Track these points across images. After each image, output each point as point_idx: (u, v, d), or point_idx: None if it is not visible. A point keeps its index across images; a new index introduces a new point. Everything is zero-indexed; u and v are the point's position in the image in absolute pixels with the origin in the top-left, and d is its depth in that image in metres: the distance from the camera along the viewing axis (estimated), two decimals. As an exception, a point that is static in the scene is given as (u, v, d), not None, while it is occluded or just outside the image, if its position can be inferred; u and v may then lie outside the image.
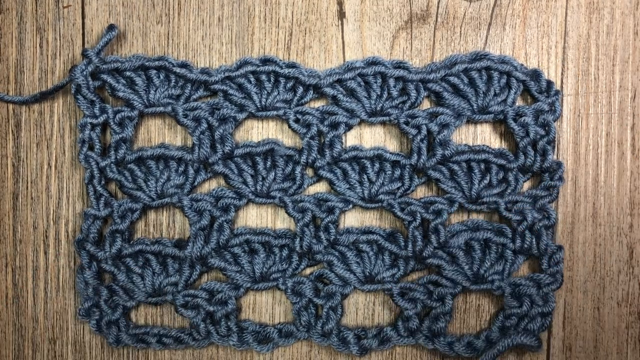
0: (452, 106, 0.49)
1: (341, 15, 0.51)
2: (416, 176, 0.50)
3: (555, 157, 0.50)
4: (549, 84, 0.49)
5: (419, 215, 0.49)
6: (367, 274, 0.50)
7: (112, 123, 0.49)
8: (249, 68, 0.49)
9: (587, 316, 0.51)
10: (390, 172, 0.50)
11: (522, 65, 0.50)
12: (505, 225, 0.50)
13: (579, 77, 0.51)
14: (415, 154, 0.49)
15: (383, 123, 0.51)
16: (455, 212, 0.50)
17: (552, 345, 0.51)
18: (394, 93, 0.49)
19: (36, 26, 0.51)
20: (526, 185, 0.51)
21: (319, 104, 0.51)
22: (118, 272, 0.50)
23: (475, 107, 0.50)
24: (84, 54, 0.49)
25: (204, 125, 0.49)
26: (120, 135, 0.50)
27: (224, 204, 0.50)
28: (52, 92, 0.50)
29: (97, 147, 0.50)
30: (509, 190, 0.49)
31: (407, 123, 0.49)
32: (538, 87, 0.49)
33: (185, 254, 0.49)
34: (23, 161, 0.52)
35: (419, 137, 0.49)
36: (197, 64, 0.51)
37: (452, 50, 0.51)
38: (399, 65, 0.50)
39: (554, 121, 0.49)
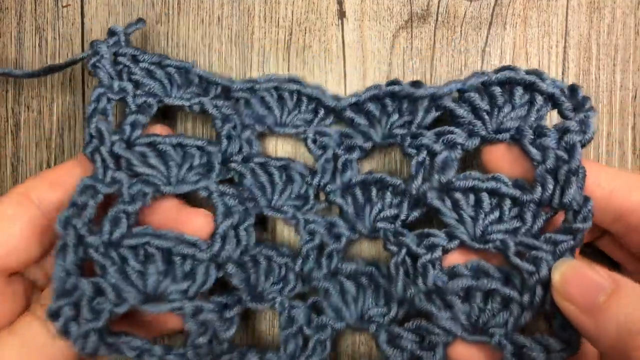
0: (463, 124, 0.43)
1: (341, 14, 0.51)
2: (417, 205, 0.44)
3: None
4: (585, 100, 0.41)
5: (404, 248, 0.41)
6: (359, 311, 0.45)
7: (130, 102, 0.45)
8: (273, 84, 0.47)
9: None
10: (390, 199, 0.45)
11: (553, 79, 0.42)
12: (515, 272, 0.40)
13: (579, 76, 0.51)
14: (412, 179, 0.43)
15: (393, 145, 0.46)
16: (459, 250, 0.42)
17: (552, 345, 0.51)
18: (405, 114, 0.45)
19: (35, 26, 0.51)
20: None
21: (335, 126, 0.48)
22: (111, 265, 0.40)
23: (489, 126, 0.43)
24: (112, 30, 0.46)
25: (233, 122, 0.46)
26: (137, 117, 0.44)
27: (246, 206, 0.45)
28: (65, 66, 0.48)
29: (109, 119, 0.44)
30: (523, 230, 0.40)
31: (410, 145, 0.44)
32: (571, 104, 0.41)
33: (212, 252, 0.43)
34: (22, 161, 0.51)
35: (418, 159, 0.43)
36: (197, 63, 0.51)
37: (452, 50, 0.51)
38: (414, 84, 0.45)
39: (583, 146, 0.40)
